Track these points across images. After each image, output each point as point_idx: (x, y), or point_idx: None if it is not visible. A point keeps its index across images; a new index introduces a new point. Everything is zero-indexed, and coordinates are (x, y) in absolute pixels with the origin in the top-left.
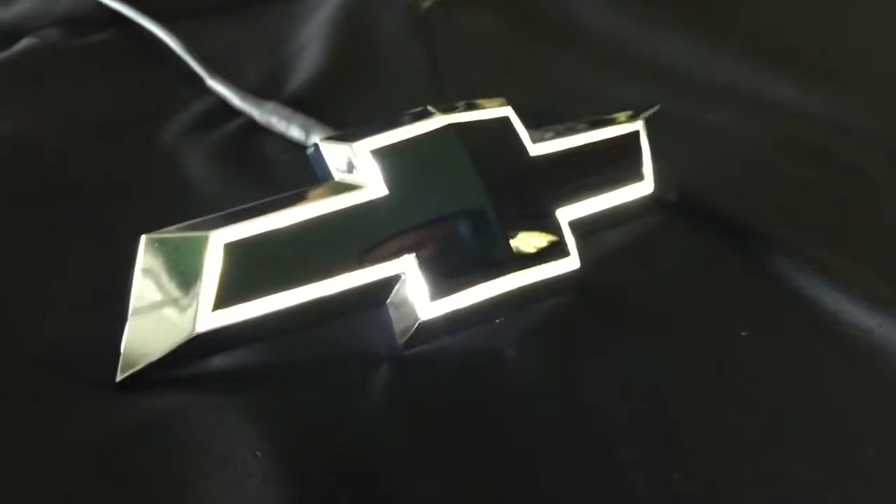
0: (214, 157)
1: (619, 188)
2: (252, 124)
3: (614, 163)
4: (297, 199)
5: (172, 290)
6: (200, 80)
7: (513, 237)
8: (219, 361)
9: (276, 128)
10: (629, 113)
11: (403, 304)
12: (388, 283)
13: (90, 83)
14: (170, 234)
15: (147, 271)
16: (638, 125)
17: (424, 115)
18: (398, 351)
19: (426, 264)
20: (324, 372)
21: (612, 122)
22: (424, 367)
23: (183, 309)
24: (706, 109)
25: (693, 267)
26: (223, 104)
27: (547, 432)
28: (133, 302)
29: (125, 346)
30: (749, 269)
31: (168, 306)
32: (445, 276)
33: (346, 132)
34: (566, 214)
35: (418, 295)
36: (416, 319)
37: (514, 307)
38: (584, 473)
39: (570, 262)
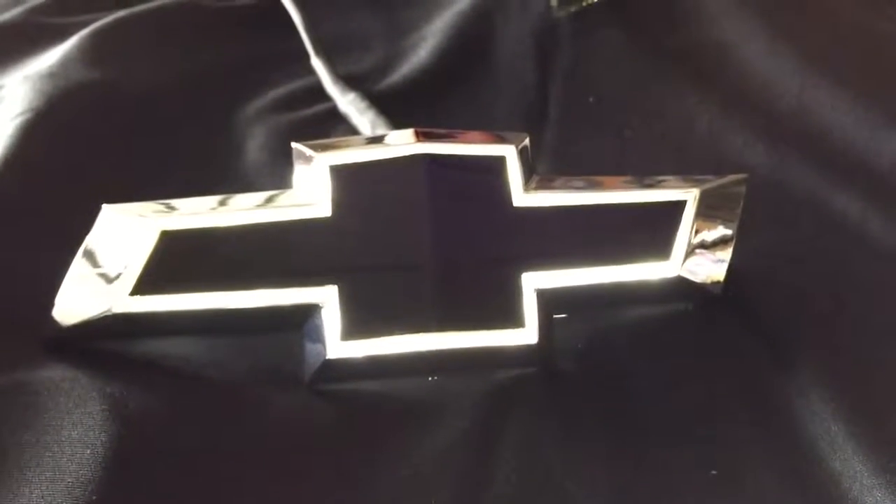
0: (283, 137)
1: (626, 263)
2: (335, 111)
3: (632, 233)
4: (247, 202)
5: (108, 263)
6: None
7: (453, 293)
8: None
9: (351, 119)
10: (698, 179)
11: (315, 337)
12: (305, 311)
13: (208, 44)
14: (124, 210)
15: (95, 239)
16: (690, 195)
17: (404, 137)
18: (305, 383)
19: (347, 300)
20: (214, 384)
21: (663, 183)
22: (310, 408)
23: (107, 285)
24: (842, 193)
25: (687, 379)
26: (318, 86)
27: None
28: (73, 265)
29: (55, 308)
30: (757, 400)
31: (99, 279)
32: (363, 318)
33: (330, 141)
34: (535, 280)
35: (330, 330)
36: (323, 356)
37: (453, 368)
38: None
39: (524, 335)
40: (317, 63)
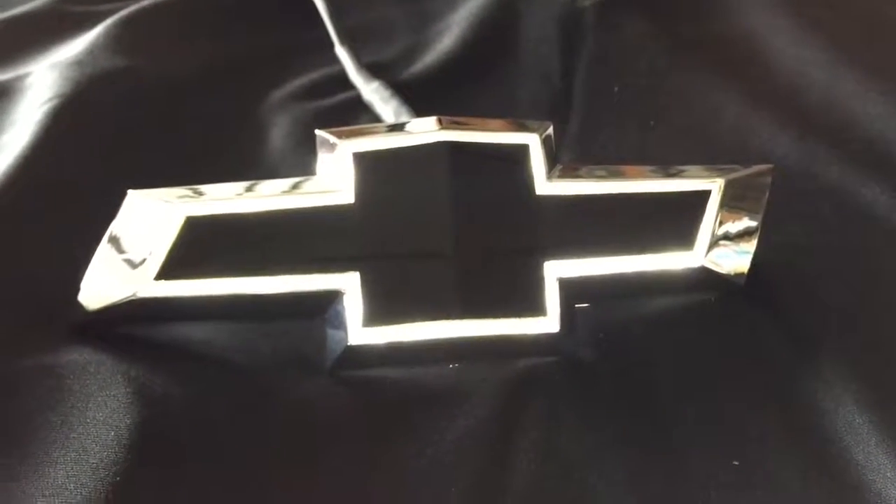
0: (307, 125)
1: (649, 253)
2: (359, 100)
3: (655, 222)
4: (271, 188)
5: (133, 248)
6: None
7: (475, 281)
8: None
9: (375, 107)
10: (723, 168)
11: (338, 323)
12: (328, 297)
13: (233, 33)
14: (149, 196)
15: (120, 224)
16: (715, 185)
17: (427, 125)
18: (327, 370)
19: (369, 287)
20: (237, 369)
21: (687, 173)
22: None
23: (132, 270)
24: (870, 186)
25: (709, 371)
26: (342, 75)
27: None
28: (99, 250)
29: (81, 292)
30: (780, 392)
31: (124, 263)
32: (385, 305)
33: (353, 129)
34: (557, 269)
35: (352, 317)
36: (345, 342)
37: (474, 356)
38: None
39: (545, 323)
40: (341, 52)
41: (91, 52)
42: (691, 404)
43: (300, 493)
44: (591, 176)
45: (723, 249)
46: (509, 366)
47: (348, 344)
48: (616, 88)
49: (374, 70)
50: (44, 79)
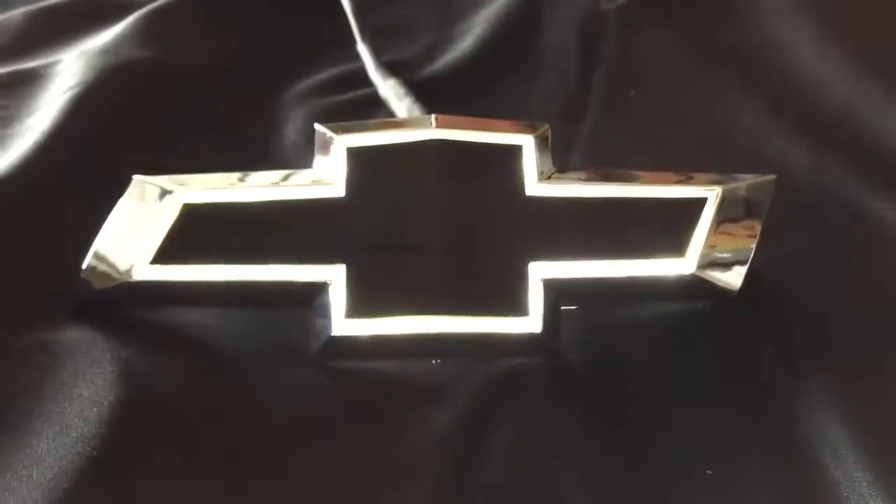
0: (322, 119)
1: (639, 258)
2: (375, 97)
3: (647, 228)
4: (267, 179)
5: (133, 232)
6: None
7: (459, 278)
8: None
9: (390, 104)
10: (725, 177)
11: (323, 313)
12: (315, 288)
13: (257, 27)
14: (152, 181)
15: (124, 208)
16: (711, 193)
17: (421, 122)
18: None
19: (354, 279)
20: (226, 355)
21: (685, 180)
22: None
23: (130, 253)
24: (882, 202)
25: (694, 380)
26: (362, 71)
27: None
28: (101, 232)
29: (82, 273)
30: (763, 405)
31: (123, 246)
32: (369, 298)
33: (350, 124)
34: (542, 270)
35: (336, 308)
36: (329, 332)
37: (456, 353)
38: None
39: (528, 323)
40: (362, 48)
41: (118, 42)
42: (671, 411)
43: (274, 477)
44: (584, 179)
45: (716, 259)
46: (492, 364)
47: (331, 334)
48: (632, 93)
49: (394, 67)
50: (70, 66)
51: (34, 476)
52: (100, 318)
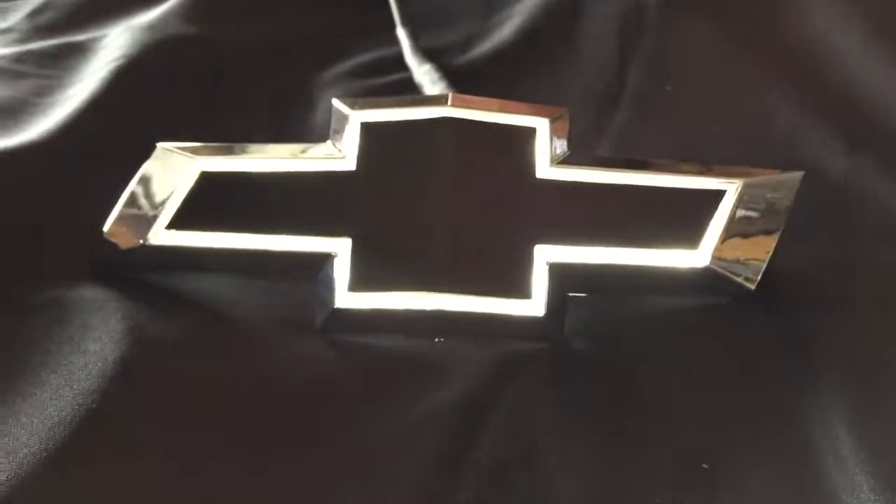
0: None
1: (650, 247)
2: (410, 81)
3: (661, 217)
4: (283, 151)
5: (152, 198)
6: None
7: (463, 257)
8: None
9: (423, 89)
10: (748, 171)
11: (327, 285)
12: (321, 260)
13: (301, 9)
14: (175, 149)
15: (147, 174)
16: (731, 186)
17: (436, 100)
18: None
19: (359, 253)
20: (233, 322)
21: (706, 171)
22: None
23: (149, 217)
24: None
25: (700, 374)
26: (400, 56)
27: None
28: (123, 197)
29: (103, 235)
30: (769, 405)
31: (143, 211)
32: (372, 272)
33: (367, 100)
34: (548, 253)
35: (340, 280)
36: (332, 305)
37: (456, 331)
38: None
39: (530, 306)
40: (401, 33)
41: (164, 18)
42: (672, 404)
43: (268, 443)
44: (597, 165)
45: (732, 253)
46: (497, 347)
47: (335, 306)
48: (669, 87)
49: (432, 54)
50: (116, 40)
51: (34, 423)
52: (115, 280)
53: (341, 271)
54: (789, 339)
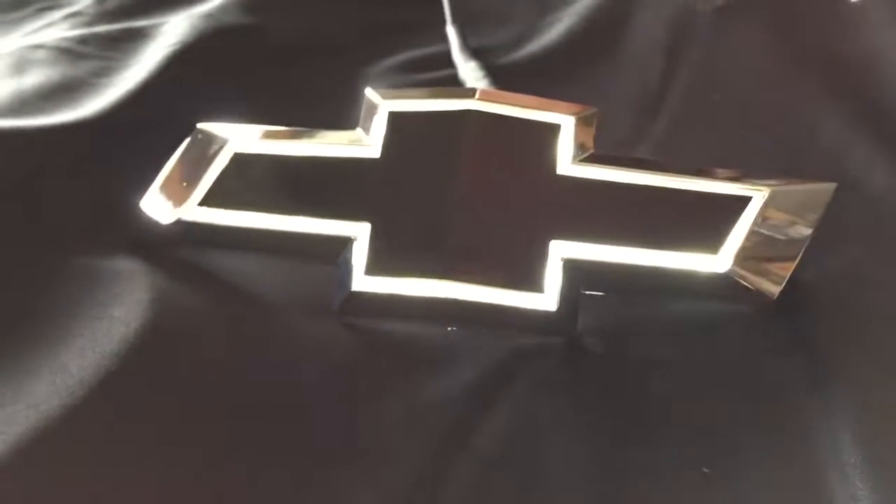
0: None
1: (668, 250)
2: (456, 78)
3: (682, 221)
4: (312, 137)
5: (188, 175)
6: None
7: (477, 247)
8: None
9: (466, 86)
10: (777, 180)
11: (346, 268)
12: (340, 242)
13: (356, 4)
14: (212, 129)
15: (185, 152)
16: (758, 193)
17: (464, 93)
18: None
19: (378, 238)
20: (255, 301)
21: (735, 178)
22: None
23: (183, 194)
24: None
25: (712, 381)
26: (448, 53)
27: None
28: (161, 174)
29: (141, 209)
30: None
31: (178, 187)
32: (389, 256)
33: (397, 90)
34: (563, 249)
35: (358, 264)
36: (349, 288)
37: (469, 320)
38: None
39: (542, 300)
40: (450, 30)
41: (223, 8)
42: (679, 408)
43: (273, 418)
44: (620, 164)
45: (754, 261)
46: (507, 339)
47: (351, 289)
48: (716, 97)
49: (479, 52)
50: (175, 27)
51: (56, 381)
52: (148, 252)
53: (359, 255)
54: (804, 354)
